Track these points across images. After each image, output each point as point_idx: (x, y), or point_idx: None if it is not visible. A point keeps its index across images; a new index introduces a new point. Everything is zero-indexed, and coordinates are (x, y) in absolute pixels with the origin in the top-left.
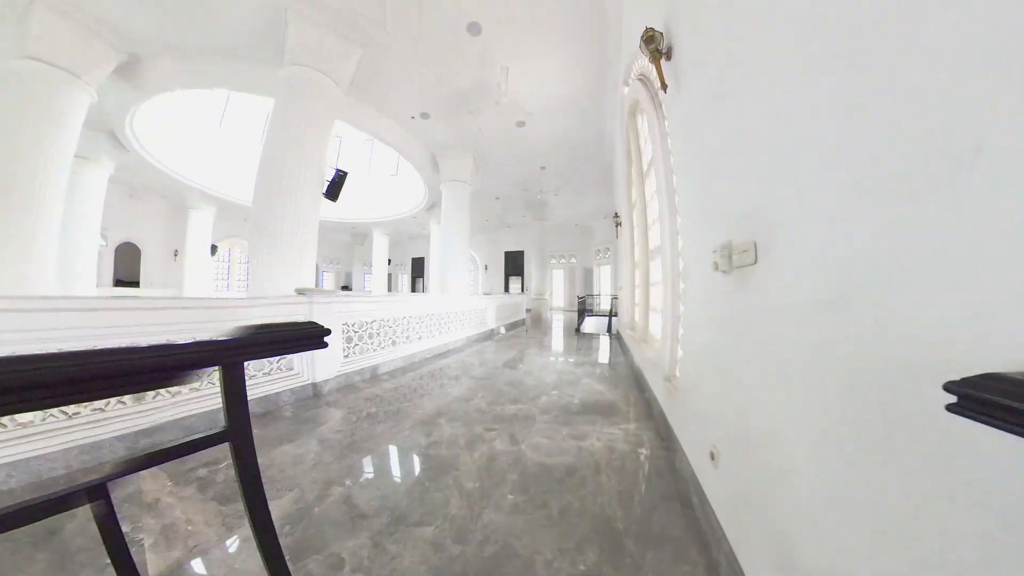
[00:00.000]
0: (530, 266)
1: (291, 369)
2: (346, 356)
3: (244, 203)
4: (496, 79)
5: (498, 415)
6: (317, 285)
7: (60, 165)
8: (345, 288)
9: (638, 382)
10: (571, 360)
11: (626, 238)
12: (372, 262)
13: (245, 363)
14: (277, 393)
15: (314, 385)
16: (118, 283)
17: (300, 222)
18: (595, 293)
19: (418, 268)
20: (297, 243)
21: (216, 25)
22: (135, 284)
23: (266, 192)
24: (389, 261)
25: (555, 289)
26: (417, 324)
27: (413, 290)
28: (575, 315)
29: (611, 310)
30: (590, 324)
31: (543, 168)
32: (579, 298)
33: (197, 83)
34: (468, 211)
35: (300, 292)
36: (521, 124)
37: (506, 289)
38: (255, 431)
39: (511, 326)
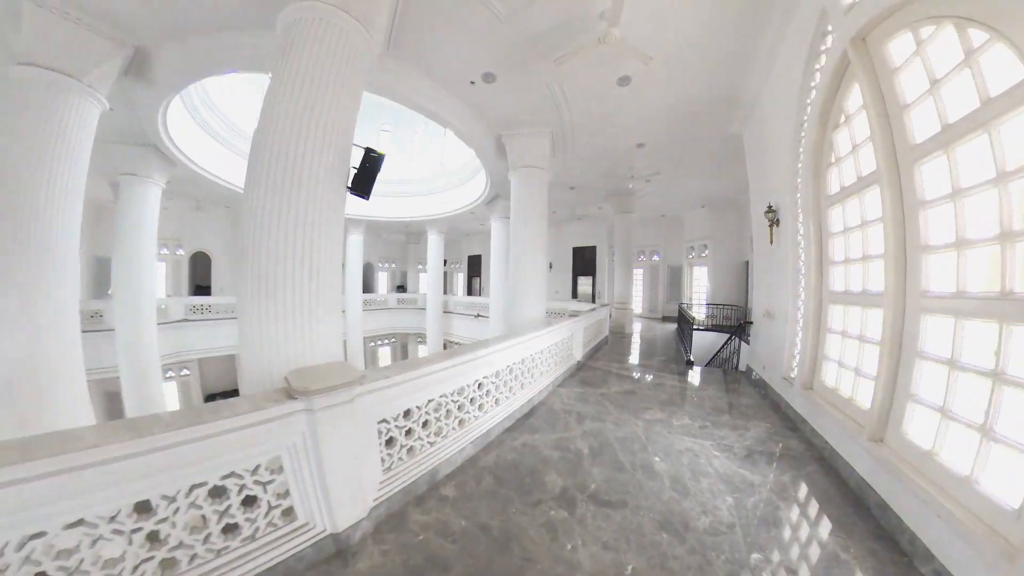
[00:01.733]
0: (603, 264)
1: (290, 516)
2: (387, 469)
3: None
4: (600, 5)
5: None
6: (372, 288)
7: (71, 182)
8: (401, 288)
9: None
10: (727, 442)
11: (788, 240)
12: (427, 261)
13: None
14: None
15: (335, 537)
16: (197, 289)
17: (315, 244)
18: (688, 300)
19: (475, 267)
20: (307, 276)
21: None
22: (208, 291)
23: (259, 196)
24: (445, 261)
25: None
26: (495, 382)
27: (469, 291)
28: (656, 322)
29: (739, 329)
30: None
31: (640, 146)
32: (680, 304)
33: (207, 70)
34: (545, 205)
35: (292, 393)
36: (624, 81)
37: (574, 292)
38: None
39: (594, 350)
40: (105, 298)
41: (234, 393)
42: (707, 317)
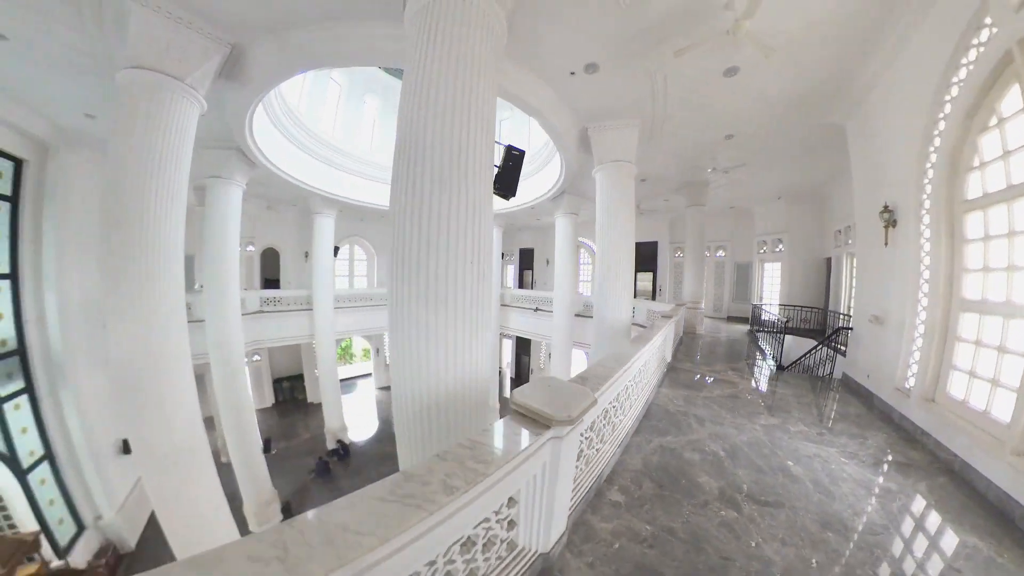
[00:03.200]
0: (664, 260)
1: (512, 546)
2: (573, 482)
3: (359, 203)
4: None
5: None
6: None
7: (177, 185)
8: None
9: None
10: (850, 450)
11: (909, 243)
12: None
13: None
14: None
15: (544, 557)
16: (266, 283)
17: (480, 245)
18: (759, 300)
19: (527, 260)
20: (475, 279)
21: None
22: (277, 283)
23: (407, 187)
24: (503, 255)
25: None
26: (633, 384)
27: (521, 284)
28: (722, 323)
29: (833, 336)
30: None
31: (729, 137)
32: (754, 305)
33: (308, 64)
34: (633, 201)
35: (546, 421)
36: (732, 72)
37: (634, 291)
38: None
39: (675, 351)
40: (192, 292)
41: (298, 378)
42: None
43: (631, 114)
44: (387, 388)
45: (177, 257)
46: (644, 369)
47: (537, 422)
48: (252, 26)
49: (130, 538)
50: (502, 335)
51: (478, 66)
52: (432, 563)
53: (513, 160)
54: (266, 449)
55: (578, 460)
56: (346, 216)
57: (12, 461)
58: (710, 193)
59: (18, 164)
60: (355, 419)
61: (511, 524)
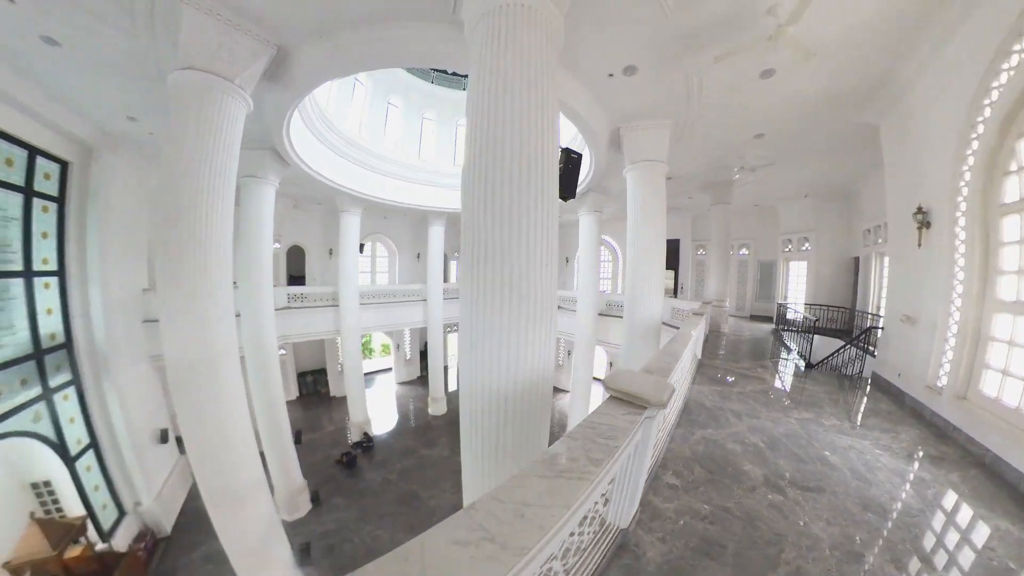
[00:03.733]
0: (686, 257)
1: (604, 524)
2: None
3: (385, 202)
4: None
5: None
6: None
7: (227, 183)
8: None
9: None
10: (884, 443)
11: (943, 245)
12: None
13: None
14: None
15: (623, 532)
16: (291, 280)
17: (553, 241)
18: (784, 299)
19: None
20: (550, 275)
21: None
22: (302, 280)
23: (485, 192)
24: None
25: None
26: (679, 377)
27: None
28: (744, 321)
29: (863, 336)
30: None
31: (759, 136)
32: (779, 304)
33: (353, 66)
34: (664, 200)
35: (642, 403)
36: (768, 74)
37: None
38: None
39: (702, 348)
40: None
41: (321, 372)
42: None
43: (664, 114)
44: (408, 383)
45: (227, 255)
46: (683, 365)
47: (633, 404)
48: (300, 28)
49: (166, 523)
50: None
51: (546, 72)
52: (582, 521)
53: (572, 163)
54: (297, 441)
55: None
56: (369, 214)
57: (62, 449)
58: (735, 191)
59: (64, 166)
60: (375, 413)
61: (606, 501)
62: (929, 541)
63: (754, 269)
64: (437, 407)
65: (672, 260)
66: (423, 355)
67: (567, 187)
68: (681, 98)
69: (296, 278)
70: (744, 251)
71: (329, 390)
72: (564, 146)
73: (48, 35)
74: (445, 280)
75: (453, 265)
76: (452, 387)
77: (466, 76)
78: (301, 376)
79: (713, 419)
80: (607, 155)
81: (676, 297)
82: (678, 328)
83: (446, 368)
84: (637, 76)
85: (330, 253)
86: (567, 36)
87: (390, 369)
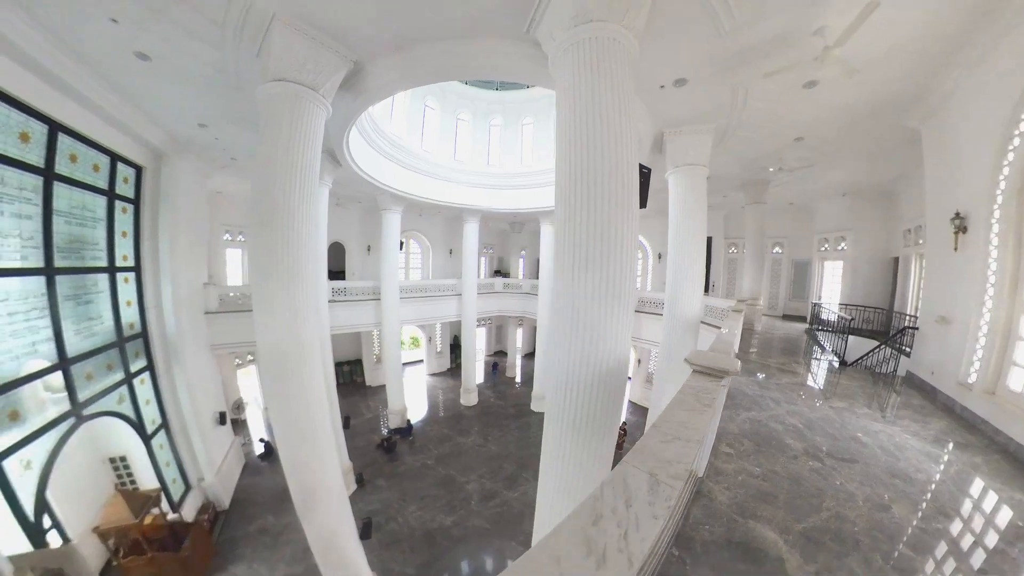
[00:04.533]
0: (718, 255)
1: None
2: None
3: (426, 200)
4: (816, 22)
5: None
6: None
7: (312, 184)
8: (498, 273)
9: None
10: (913, 430)
11: (977, 250)
12: (540, 251)
13: None
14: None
15: (697, 479)
16: (331, 275)
17: (632, 246)
18: (818, 299)
19: None
20: (631, 281)
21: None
22: (342, 275)
23: (585, 204)
24: None
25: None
26: None
27: None
28: (777, 320)
29: (897, 336)
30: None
31: (799, 140)
32: (814, 304)
33: (426, 78)
34: (705, 202)
35: (720, 373)
36: (811, 85)
37: None
38: None
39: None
40: None
41: (357, 363)
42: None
43: (707, 120)
44: (438, 375)
45: (315, 251)
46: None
47: (711, 375)
48: (378, 44)
49: (225, 498)
50: None
51: (630, 97)
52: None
53: (643, 177)
54: (346, 425)
55: None
56: (406, 212)
57: (140, 427)
58: (771, 190)
59: (138, 170)
60: (409, 402)
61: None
62: (949, 502)
63: (788, 268)
64: (469, 397)
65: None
66: (453, 348)
67: (641, 198)
68: (726, 106)
69: (335, 273)
70: (778, 249)
71: (364, 379)
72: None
73: (142, 51)
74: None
75: (483, 261)
76: (479, 379)
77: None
78: (338, 365)
79: (755, 404)
80: (648, 158)
81: (706, 294)
82: (711, 325)
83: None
84: (686, 87)
85: (368, 249)
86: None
87: (421, 361)
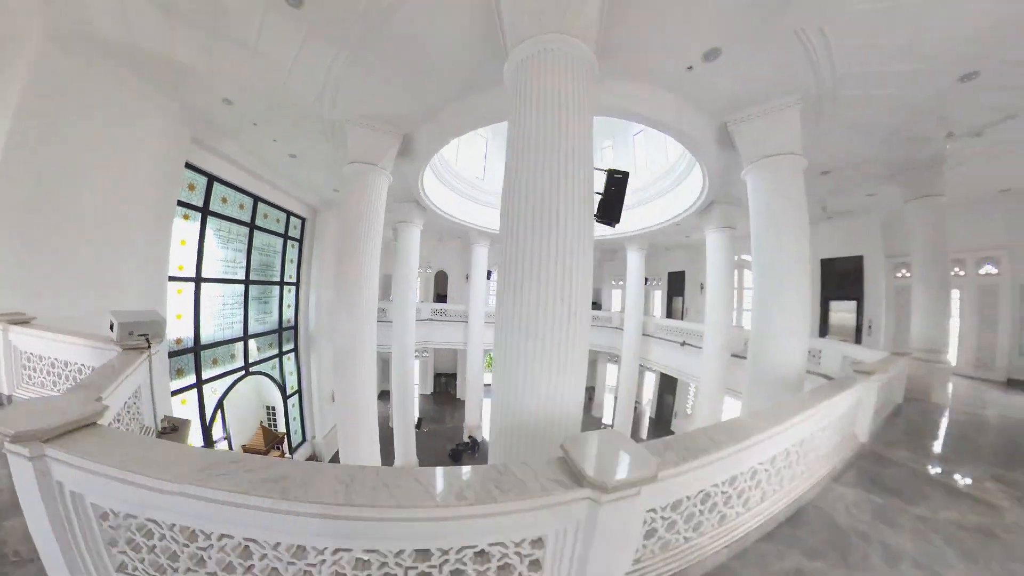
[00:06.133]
0: (876, 281)
1: None
2: (637, 560)
3: (492, 231)
4: None
5: None
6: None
7: (376, 232)
8: (594, 305)
9: None
10: None
11: None
12: (626, 279)
13: None
14: None
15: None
16: (437, 297)
17: (573, 285)
18: None
19: (676, 285)
20: (566, 318)
21: (440, 76)
22: (445, 298)
23: (506, 228)
24: (647, 280)
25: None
26: (769, 470)
27: (669, 312)
28: (993, 387)
29: None
30: None
31: (968, 78)
32: None
33: (453, 133)
34: (803, 204)
35: (582, 480)
36: None
37: (823, 325)
38: None
39: (883, 427)
40: (386, 301)
41: (453, 376)
42: None
43: (782, 92)
44: None
45: (372, 278)
46: (800, 450)
47: (575, 478)
48: (415, 119)
49: (327, 457)
50: (643, 367)
51: (567, 106)
52: (445, 552)
53: (616, 184)
54: (417, 426)
55: (647, 539)
56: (492, 245)
57: (282, 389)
58: (952, 173)
59: (302, 220)
60: (487, 421)
61: (537, 565)
62: None
63: (1010, 299)
64: None
65: (852, 287)
66: None
67: (611, 211)
68: (802, 64)
69: (441, 296)
70: (990, 268)
71: (456, 392)
72: (608, 168)
73: (292, 153)
74: None
75: None
76: None
77: None
78: (437, 376)
79: (836, 548)
80: (719, 158)
81: (859, 341)
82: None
83: None
84: (725, 57)
85: (467, 278)
86: (628, 48)
87: None
